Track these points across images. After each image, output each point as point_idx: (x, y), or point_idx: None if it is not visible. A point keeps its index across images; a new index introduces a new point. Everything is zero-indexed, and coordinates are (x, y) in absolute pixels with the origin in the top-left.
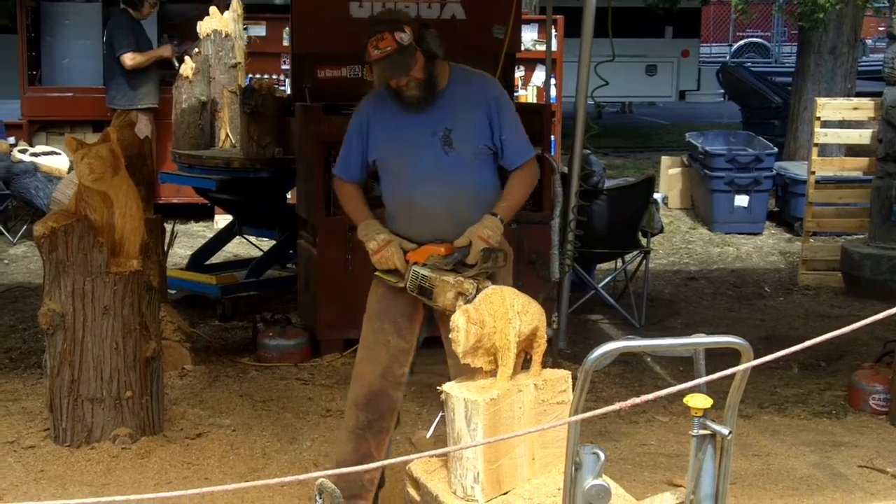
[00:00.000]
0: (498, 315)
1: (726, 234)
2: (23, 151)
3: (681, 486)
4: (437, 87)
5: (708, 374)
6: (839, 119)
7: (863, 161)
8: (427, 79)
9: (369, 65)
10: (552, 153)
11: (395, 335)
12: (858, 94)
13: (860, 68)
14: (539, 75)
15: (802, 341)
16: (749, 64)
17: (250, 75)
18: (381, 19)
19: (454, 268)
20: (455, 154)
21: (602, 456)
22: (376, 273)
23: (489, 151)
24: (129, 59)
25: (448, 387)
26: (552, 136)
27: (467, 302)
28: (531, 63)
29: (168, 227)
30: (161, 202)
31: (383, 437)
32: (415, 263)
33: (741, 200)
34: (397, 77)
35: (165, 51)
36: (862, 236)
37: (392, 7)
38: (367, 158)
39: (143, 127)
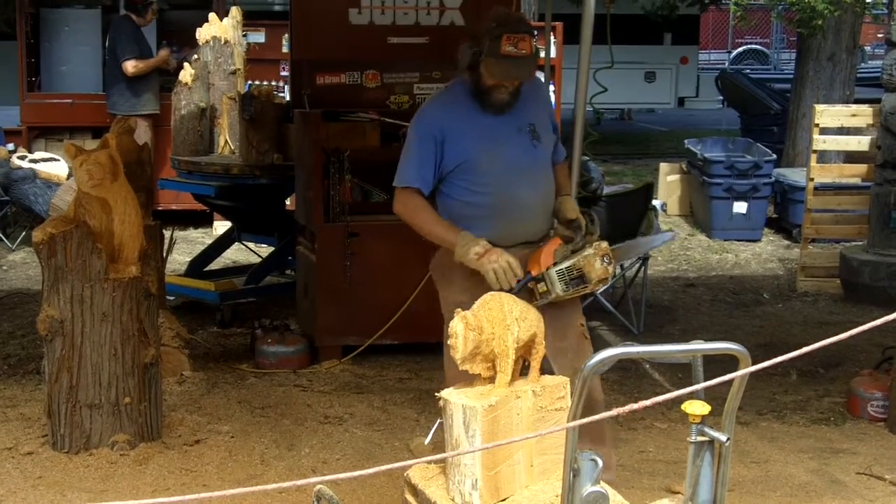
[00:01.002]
0: (496, 321)
1: (725, 240)
2: (22, 158)
3: (679, 492)
4: (518, 94)
5: (706, 380)
6: (838, 126)
7: (861, 168)
8: (521, 84)
9: (492, 57)
10: None
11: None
12: (857, 101)
13: (859, 75)
14: None
15: (801, 348)
16: (748, 71)
17: (249, 82)
18: (523, 20)
19: (575, 248)
20: (541, 147)
21: (600, 462)
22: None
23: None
24: (132, 66)
25: (446, 393)
26: None
27: (610, 263)
28: None
29: (167, 233)
30: (160, 208)
31: (600, 444)
32: (549, 267)
33: (740, 207)
34: (523, 80)
35: (164, 58)
36: (860, 243)
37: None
38: (440, 167)
39: (143, 133)
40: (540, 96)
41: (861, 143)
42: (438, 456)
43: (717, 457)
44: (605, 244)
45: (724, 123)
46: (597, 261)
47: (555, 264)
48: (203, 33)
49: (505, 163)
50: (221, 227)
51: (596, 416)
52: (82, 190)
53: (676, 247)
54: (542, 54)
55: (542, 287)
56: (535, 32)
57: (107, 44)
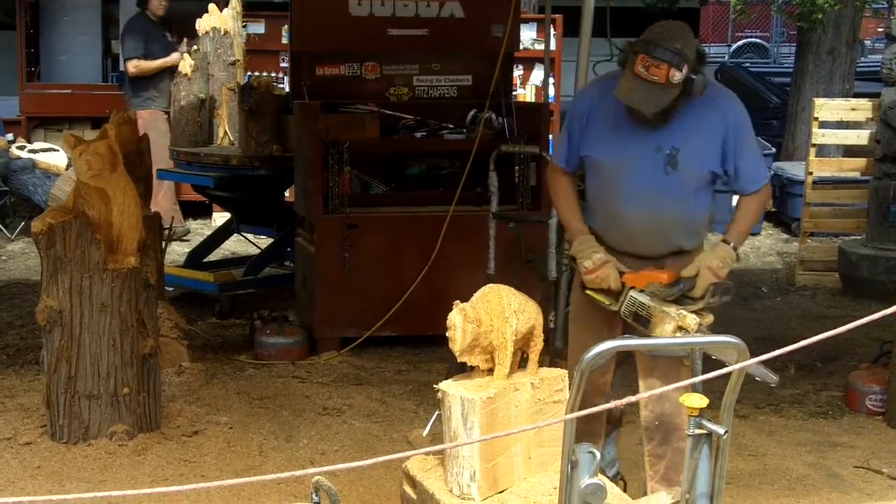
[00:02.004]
0: (495, 314)
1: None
2: (21, 148)
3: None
4: (677, 112)
5: (704, 373)
6: (837, 120)
7: (860, 162)
8: (669, 107)
9: (622, 67)
10: (550, 152)
11: (594, 343)
12: (856, 95)
13: (858, 69)
14: (538, 74)
15: (799, 342)
16: (748, 64)
17: (249, 73)
18: (672, 47)
19: (676, 299)
20: (676, 176)
21: (598, 455)
22: (587, 291)
23: (712, 177)
24: (132, 66)
25: (445, 385)
26: (550, 135)
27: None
28: (530, 62)
29: (166, 224)
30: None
31: (596, 441)
32: (632, 288)
33: None
34: (645, 109)
35: (174, 59)
36: (859, 237)
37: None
38: (580, 148)
39: (161, 125)
40: (712, 120)
41: (860, 137)
42: (437, 447)
43: (715, 450)
44: (691, 320)
45: None
46: (669, 324)
47: (641, 291)
48: (203, 24)
49: (626, 181)
50: (220, 218)
51: (594, 408)
52: (81, 180)
53: None
54: (541, 46)
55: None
56: (680, 61)
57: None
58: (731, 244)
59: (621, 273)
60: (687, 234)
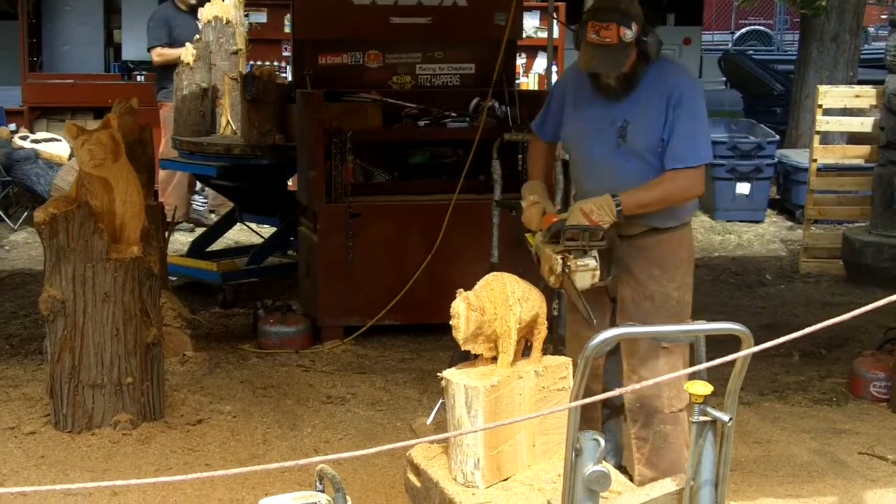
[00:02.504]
0: (499, 302)
1: (727, 221)
2: (23, 138)
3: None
4: (635, 84)
5: (708, 360)
6: (841, 107)
7: (864, 149)
8: (629, 75)
9: (582, 42)
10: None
11: (585, 327)
12: (860, 82)
13: (862, 56)
14: (540, 62)
15: (803, 329)
16: (751, 52)
17: (251, 62)
18: (617, 7)
19: (554, 239)
20: (626, 147)
21: (602, 442)
22: (525, 234)
23: (662, 147)
24: (156, 55)
25: (448, 373)
26: None
27: (558, 275)
28: (532, 50)
29: (169, 213)
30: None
31: (595, 427)
32: (539, 231)
33: (742, 188)
34: (604, 72)
35: (183, 53)
36: (863, 224)
37: None
38: (556, 126)
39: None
40: (661, 92)
41: (864, 124)
42: (441, 436)
43: (720, 437)
44: (555, 259)
45: (727, 104)
46: (546, 264)
47: (540, 232)
48: (205, 13)
49: (586, 154)
50: (223, 207)
51: (598, 396)
52: (84, 170)
53: None
54: (544, 34)
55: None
56: (630, 22)
57: None
58: (617, 198)
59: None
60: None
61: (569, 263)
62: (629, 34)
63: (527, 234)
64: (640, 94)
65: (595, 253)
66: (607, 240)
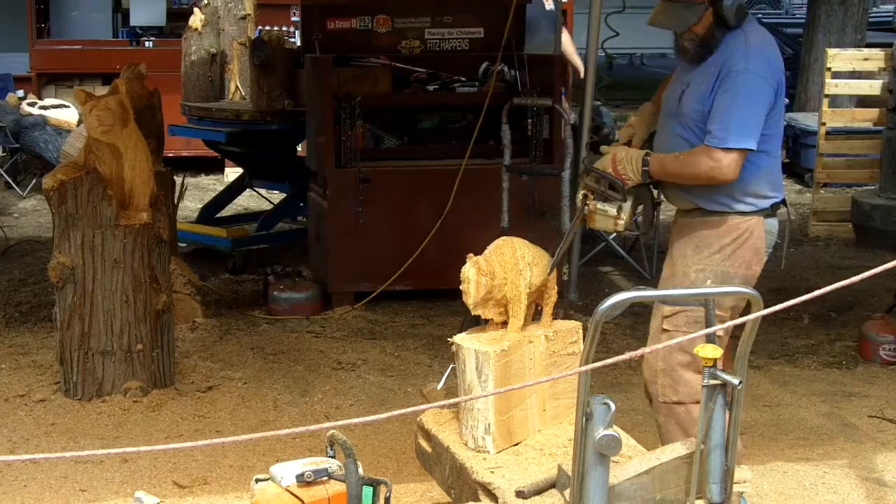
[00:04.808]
0: (508, 266)
1: None
2: (32, 104)
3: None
4: (712, 49)
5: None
6: (850, 70)
7: (873, 112)
8: (706, 38)
9: None
10: (563, 104)
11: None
12: (869, 45)
13: (870, 19)
14: None
15: (813, 292)
16: (760, 15)
17: (260, 27)
18: None
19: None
20: (679, 112)
21: (613, 406)
22: None
23: (704, 119)
24: None
25: (459, 338)
26: (563, 88)
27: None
28: None
29: (178, 179)
30: (171, 155)
31: None
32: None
33: None
34: (670, 28)
35: (191, 19)
36: (872, 187)
37: None
38: None
39: None
40: (718, 62)
41: (873, 87)
42: (451, 401)
43: (730, 400)
44: (579, 195)
45: None
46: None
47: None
48: None
49: (661, 110)
50: (233, 173)
51: (609, 359)
52: (92, 136)
53: None
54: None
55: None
56: None
57: None
58: (648, 157)
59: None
60: (696, 188)
61: (588, 203)
62: None
63: None
64: (712, 58)
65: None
66: (630, 196)
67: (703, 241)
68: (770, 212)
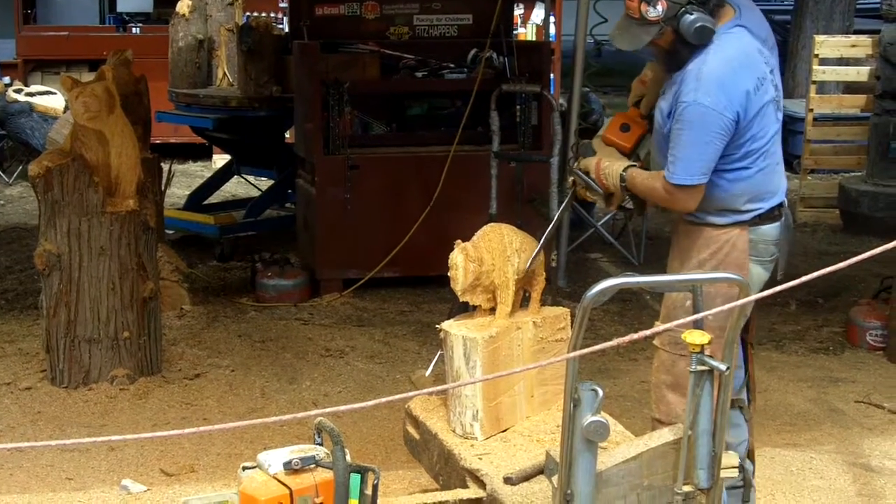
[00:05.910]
0: (496, 253)
1: None
2: (18, 91)
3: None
4: (681, 64)
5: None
6: (837, 56)
7: (861, 98)
8: (671, 52)
9: None
10: (551, 92)
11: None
12: (856, 32)
13: (858, 6)
14: (538, 13)
15: (800, 278)
16: None
17: (248, 13)
18: None
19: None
20: (657, 115)
21: (601, 392)
22: None
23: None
24: None
25: (447, 325)
26: (552, 75)
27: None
28: (530, 1)
29: (165, 166)
30: (158, 142)
31: None
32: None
33: None
34: (624, 47)
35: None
36: (859, 173)
37: None
38: None
39: None
40: (675, 89)
41: (860, 73)
42: (439, 388)
43: (717, 386)
44: (570, 178)
45: None
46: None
47: None
48: None
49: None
50: (220, 160)
51: (597, 346)
52: (78, 122)
53: None
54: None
55: None
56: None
57: None
58: (630, 169)
59: None
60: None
61: (576, 189)
62: (651, 12)
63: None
64: (677, 76)
65: None
66: (605, 202)
67: (685, 255)
68: (758, 220)
